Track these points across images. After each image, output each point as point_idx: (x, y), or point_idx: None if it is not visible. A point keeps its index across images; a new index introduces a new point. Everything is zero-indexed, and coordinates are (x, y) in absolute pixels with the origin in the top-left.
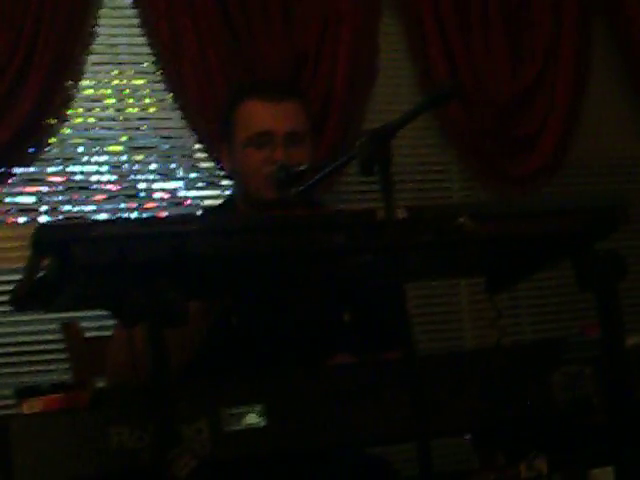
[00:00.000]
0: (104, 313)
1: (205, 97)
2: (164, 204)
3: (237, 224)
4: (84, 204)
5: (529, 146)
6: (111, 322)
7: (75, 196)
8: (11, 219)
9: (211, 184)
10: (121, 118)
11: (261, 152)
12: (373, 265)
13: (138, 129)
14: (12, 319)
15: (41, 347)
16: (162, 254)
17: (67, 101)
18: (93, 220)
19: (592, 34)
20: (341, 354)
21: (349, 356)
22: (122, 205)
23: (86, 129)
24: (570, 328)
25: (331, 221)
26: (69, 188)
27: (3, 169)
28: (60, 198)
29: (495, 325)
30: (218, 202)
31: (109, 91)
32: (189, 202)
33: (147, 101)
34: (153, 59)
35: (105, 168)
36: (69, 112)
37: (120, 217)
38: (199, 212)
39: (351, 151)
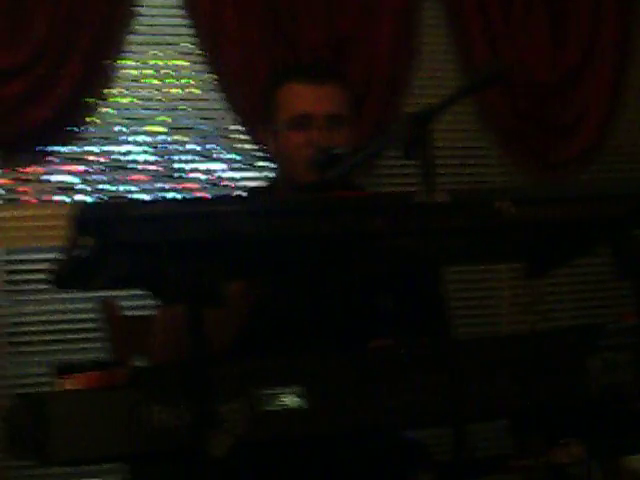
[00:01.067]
0: (143, 292)
1: (246, 78)
2: (203, 185)
3: (277, 206)
4: (123, 184)
5: (570, 131)
6: (150, 301)
7: (115, 176)
8: (51, 198)
9: (250, 165)
10: (161, 98)
11: (301, 134)
12: (412, 249)
13: (178, 109)
14: (53, 297)
15: (80, 325)
16: (202, 234)
17: (107, 81)
18: (134, 199)
19: (635, 18)
20: (380, 339)
21: (388, 341)
22: (161, 185)
23: (126, 109)
24: (608, 315)
25: (370, 204)
26: (109, 168)
27: (43, 148)
28: (100, 178)
29: (533, 310)
30: (256, 184)
31: (149, 71)
32: (228, 183)
33: (187, 81)
34: (194, 39)
35: (145, 148)
36: (109, 92)
37: (161, 197)
38: (243, 193)
39: (391, 134)
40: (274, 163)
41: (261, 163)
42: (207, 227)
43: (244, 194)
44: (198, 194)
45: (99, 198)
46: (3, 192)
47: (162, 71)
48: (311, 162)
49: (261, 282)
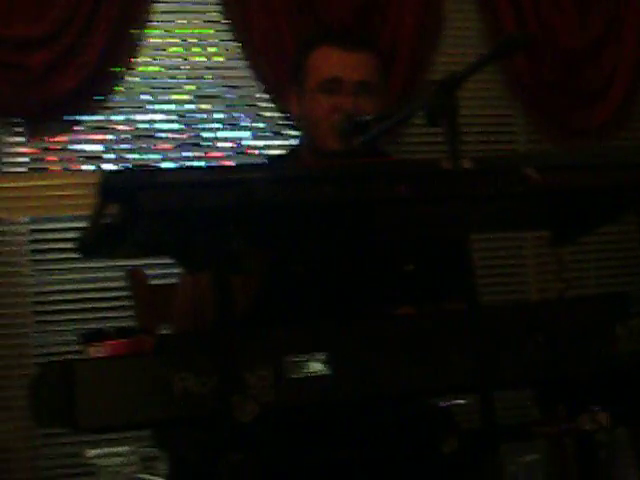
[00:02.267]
0: (169, 261)
1: (271, 46)
2: (229, 153)
3: (303, 173)
4: (150, 152)
5: (596, 99)
6: (176, 270)
7: (141, 144)
8: (78, 167)
9: (276, 134)
10: (187, 67)
11: (330, 99)
12: (437, 215)
13: (204, 78)
14: (78, 266)
15: (105, 294)
16: (228, 202)
17: (133, 50)
18: (159, 167)
19: None
20: (405, 307)
21: (413, 309)
22: (187, 154)
23: (152, 78)
24: (635, 282)
25: (395, 171)
26: (135, 136)
27: (70, 117)
28: (126, 146)
29: (559, 277)
30: (282, 152)
31: (175, 40)
32: (254, 151)
33: (213, 50)
34: (220, 8)
35: (171, 117)
36: (135, 61)
37: (187, 165)
38: (263, 161)
39: (417, 101)
40: (299, 129)
41: (287, 131)
42: (232, 195)
43: (264, 162)
44: (224, 162)
45: (125, 167)
46: (28, 161)
47: (188, 40)
48: (338, 129)
49: (275, 250)
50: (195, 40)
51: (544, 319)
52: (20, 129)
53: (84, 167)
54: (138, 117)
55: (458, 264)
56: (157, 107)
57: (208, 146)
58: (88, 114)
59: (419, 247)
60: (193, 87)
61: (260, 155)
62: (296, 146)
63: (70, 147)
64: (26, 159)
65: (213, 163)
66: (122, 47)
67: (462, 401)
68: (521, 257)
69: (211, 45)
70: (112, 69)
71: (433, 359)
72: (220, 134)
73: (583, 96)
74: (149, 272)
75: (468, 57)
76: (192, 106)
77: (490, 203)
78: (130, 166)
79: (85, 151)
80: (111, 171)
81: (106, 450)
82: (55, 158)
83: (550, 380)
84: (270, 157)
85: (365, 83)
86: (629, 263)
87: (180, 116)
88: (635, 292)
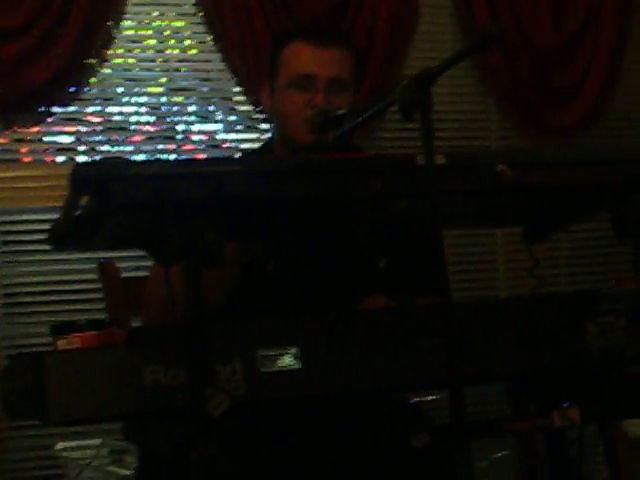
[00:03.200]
0: (141, 253)
1: (245, 40)
2: (202, 146)
3: (275, 166)
4: (122, 144)
5: (569, 97)
6: (148, 262)
7: (114, 136)
8: (50, 158)
9: (249, 127)
10: (161, 59)
11: (303, 95)
12: (410, 211)
13: (178, 71)
14: (49, 258)
15: (76, 286)
16: (200, 194)
17: (107, 41)
18: (131, 159)
19: None
20: (375, 295)
21: (383, 297)
22: (160, 146)
23: (126, 70)
24: (606, 280)
25: (369, 166)
26: (108, 128)
27: (43, 108)
28: (99, 138)
29: (531, 274)
30: (256, 145)
31: (149, 32)
32: (227, 145)
33: (187, 43)
34: (194, 0)
35: (144, 109)
36: (109, 52)
37: (158, 158)
38: (237, 155)
39: (391, 96)
40: (272, 123)
41: (261, 125)
42: (204, 187)
43: (237, 155)
44: (197, 155)
45: (97, 158)
46: None
47: (162, 32)
48: (310, 123)
49: (254, 243)
50: (169, 32)
51: (515, 315)
52: None
53: (56, 158)
54: (111, 109)
55: (430, 260)
56: (131, 99)
57: (181, 139)
58: (61, 105)
59: (391, 243)
60: (167, 79)
61: (234, 148)
62: (269, 140)
63: (42, 138)
64: None
65: (186, 156)
66: (96, 39)
67: (434, 397)
68: (492, 253)
69: (185, 38)
70: (86, 61)
71: (404, 354)
72: (193, 127)
73: (557, 94)
74: (121, 264)
75: (442, 52)
76: (165, 98)
77: (463, 199)
78: (102, 157)
79: (57, 142)
80: (83, 163)
81: (75, 443)
82: (27, 149)
83: (521, 376)
84: (243, 151)
85: (338, 79)
86: (601, 261)
87: (153, 108)
88: (606, 289)
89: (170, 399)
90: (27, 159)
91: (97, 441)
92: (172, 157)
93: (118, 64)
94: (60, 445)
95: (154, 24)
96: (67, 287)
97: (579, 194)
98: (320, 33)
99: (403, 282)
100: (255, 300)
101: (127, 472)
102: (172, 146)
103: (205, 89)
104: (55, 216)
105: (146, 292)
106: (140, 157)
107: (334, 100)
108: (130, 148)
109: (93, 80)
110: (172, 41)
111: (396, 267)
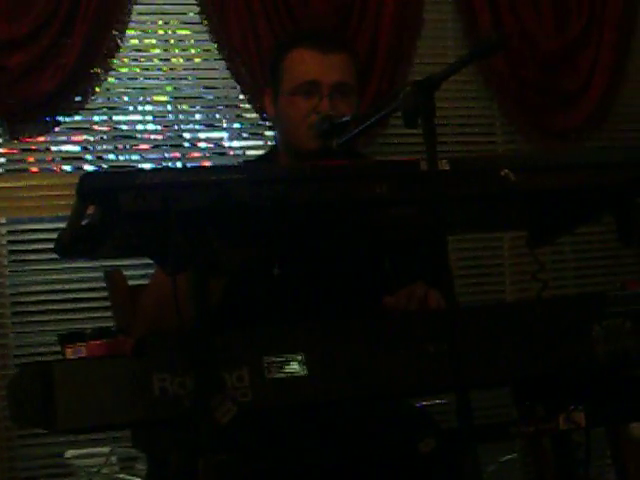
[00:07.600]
0: (148, 261)
1: (250, 47)
2: (208, 154)
3: (281, 174)
4: (129, 153)
5: (573, 100)
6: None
7: (120, 145)
8: (56, 167)
9: (255, 134)
10: (166, 68)
11: (307, 101)
12: (415, 217)
13: (183, 79)
14: (57, 267)
15: (84, 295)
16: (206, 203)
17: (112, 51)
18: (138, 168)
19: None
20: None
21: (424, 284)
22: (166, 155)
23: (131, 79)
24: (612, 282)
25: (374, 172)
26: (114, 137)
27: (49, 118)
28: (105, 147)
29: (536, 278)
30: (262, 152)
31: (154, 41)
32: (233, 152)
33: (192, 51)
34: (198, 9)
35: (150, 118)
36: (114, 62)
37: (165, 166)
38: (243, 162)
39: (395, 102)
40: (275, 130)
41: (266, 132)
42: (211, 195)
43: (243, 163)
44: (203, 163)
45: (104, 167)
46: (6, 161)
47: (167, 41)
48: (315, 130)
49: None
50: (174, 41)
51: (522, 319)
52: None
53: (63, 168)
54: (117, 118)
55: (435, 265)
56: (136, 108)
57: (187, 147)
58: (67, 115)
59: (397, 248)
60: (172, 88)
61: (239, 156)
62: (272, 147)
63: (49, 148)
64: (4, 160)
65: (192, 164)
66: (101, 48)
67: (440, 401)
68: (498, 257)
69: (190, 46)
70: (91, 70)
71: (410, 359)
72: (199, 135)
73: (561, 97)
74: (127, 273)
75: (446, 57)
76: (171, 107)
77: (468, 204)
78: (109, 167)
79: (64, 152)
80: (90, 172)
81: (85, 451)
82: (34, 159)
83: (527, 380)
84: (247, 159)
85: (342, 84)
86: (607, 264)
87: (159, 117)
88: (612, 292)
89: (178, 407)
90: (34, 169)
91: (106, 449)
92: (178, 165)
93: (124, 73)
94: (70, 453)
95: (159, 33)
96: (74, 296)
97: (584, 197)
98: (322, 39)
99: (407, 280)
100: (261, 305)
101: (137, 479)
102: (178, 154)
103: (210, 97)
104: (62, 225)
105: (143, 298)
106: (147, 165)
107: (339, 105)
108: (137, 157)
109: (99, 89)
110: (177, 49)
111: (401, 272)
